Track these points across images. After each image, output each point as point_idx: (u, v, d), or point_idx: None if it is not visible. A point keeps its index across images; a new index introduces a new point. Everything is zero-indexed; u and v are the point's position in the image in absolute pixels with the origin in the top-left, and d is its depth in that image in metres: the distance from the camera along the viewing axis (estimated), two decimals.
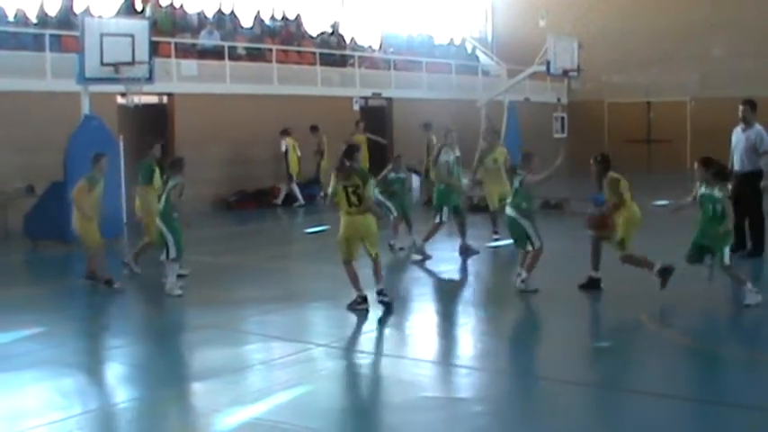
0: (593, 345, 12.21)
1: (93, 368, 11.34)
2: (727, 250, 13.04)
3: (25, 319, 13.63)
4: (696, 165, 13.36)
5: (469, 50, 44.68)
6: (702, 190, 13.14)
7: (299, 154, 29.17)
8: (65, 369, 11.06)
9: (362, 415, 9.26)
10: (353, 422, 9.09)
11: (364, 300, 13.46)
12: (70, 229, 16.12)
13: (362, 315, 13.23)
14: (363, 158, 26.95)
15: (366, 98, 34.37)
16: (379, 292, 13.51)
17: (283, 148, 28.79)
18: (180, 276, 15.38)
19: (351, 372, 10.92)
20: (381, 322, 13.10)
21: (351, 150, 13.58)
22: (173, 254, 14.92)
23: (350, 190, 13.22)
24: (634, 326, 12.75)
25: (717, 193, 12.94)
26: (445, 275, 17.12)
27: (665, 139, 41.27)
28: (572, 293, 14.29)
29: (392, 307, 13.37)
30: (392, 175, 19.43)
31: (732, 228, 13.37)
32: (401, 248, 18.97)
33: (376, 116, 34.39)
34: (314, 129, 29.46)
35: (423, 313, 14.18)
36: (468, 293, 16.05)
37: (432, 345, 12.14)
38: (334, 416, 9.19)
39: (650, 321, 12.80)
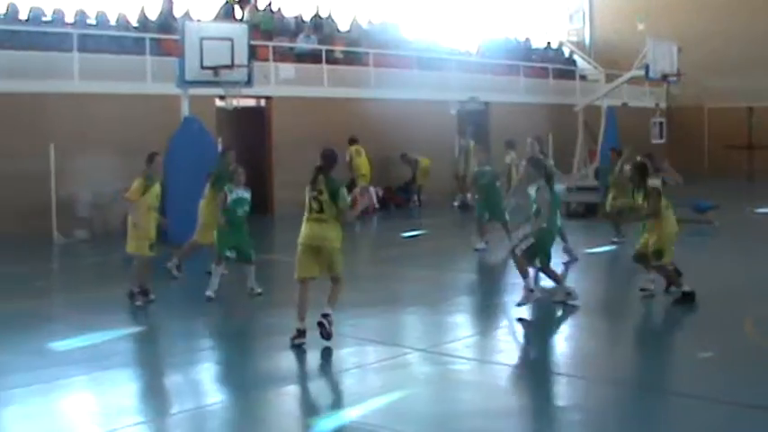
0: (699, 355, 11.92)
1: (188, 368, 11.38)
2: None
3: (123, 318, 13.82)
4: None
5: (567, 54, 44.31)
6: None
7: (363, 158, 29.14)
8: (161, 368, 11.19)
9: (459, 421, 9.16)
10: (449, 428, 8.99)
11: (301, 334, 11.74)
12: (169, 231, 16.28)
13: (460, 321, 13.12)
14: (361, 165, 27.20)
15: (463, 102, 34.22)
16: (324, 316, 11.77)
17: (347, 158, 28.57)
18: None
19: (447, 377, 10.80)
20: (479, 328, 13.02)
21: (326, 157, 12.18)
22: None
23: (312, 195, 11.89)
24: (739, 336, 12.39)
25: None
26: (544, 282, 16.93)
27: (767, 145, 40.47)
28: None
29: (329, 337, 11.69)
30: (478, 168, 19.48)
31: None
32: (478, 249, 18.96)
33: (473, 120, 34.24)
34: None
35: (524, 319, 13.98)
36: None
37: (529, 352, 12.02)
38: (430, 421, 9.12)
39: (755, 331, 12.51)
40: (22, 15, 25.41)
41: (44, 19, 25.76)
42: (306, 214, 11.95)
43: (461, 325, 13.59)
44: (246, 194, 15.03)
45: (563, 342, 12.72)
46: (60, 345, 12.09)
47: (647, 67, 30.66)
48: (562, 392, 10.23)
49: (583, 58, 44.27)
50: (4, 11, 24.99)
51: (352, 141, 28.35)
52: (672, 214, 14.13)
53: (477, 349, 12.18)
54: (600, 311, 14.38)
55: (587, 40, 46.57)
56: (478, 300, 15.61)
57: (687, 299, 13.84)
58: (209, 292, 14.74)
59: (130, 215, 14.52)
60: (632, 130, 34.95)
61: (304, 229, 11.92)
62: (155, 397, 10.02)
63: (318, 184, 11.90)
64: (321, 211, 11.82)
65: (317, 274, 11.92)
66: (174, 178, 19.56)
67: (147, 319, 13.97)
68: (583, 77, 41.52)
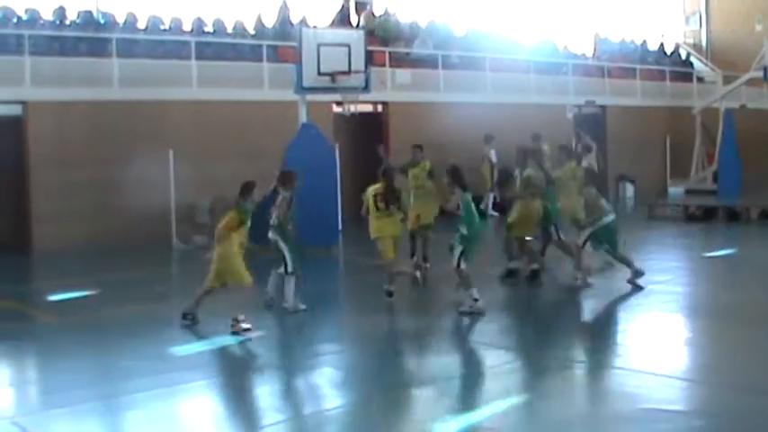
0: None
1: (306, 373, 11.36)
2: None
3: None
4: None
5: (684, 56, 43.56)
6: None
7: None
8: (281, 373, 11.19)
9: (580, 426, 8.99)
10: None
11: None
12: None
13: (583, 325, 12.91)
14: None
15: (580, 106, 33.86)
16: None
17: (494, 158, 28.57)
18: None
19: (569, 382, 10.64)
20: (599, 333, 12.80)
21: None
22: (290, 268, 14.44)
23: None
24: None
25: None
26: (662, 286, 16.59)
27: None
28: None
29: None
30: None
31: None
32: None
33: (590, 124, 33.87)
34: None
35: (640, 324, 13.71)
36: (686, 304, 15.49)
37: (651, 356, 11.72)
38: (553, 426, 8.95)
39: None
40: (141, 24, 25.79)
41: (162, 27, 26.13)
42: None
43: (580, 331, 13.36)
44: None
45: (684, 346, 12.40)
46: (180, 349, 12.17)
47: (765, 69, 30.07)
48: (683, 398, 9.94)
49: (700, 60, 43.48)
50: (123, 20, 25.39)
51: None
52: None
53: (599, 354, 11.94)
54: (720, 316, 14.01)
55: (704, 42, 45.73)
56: (597, 304, 15.32)
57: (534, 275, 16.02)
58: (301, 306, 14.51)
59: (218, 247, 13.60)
60: (751, 133, 34.27)
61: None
62: (274, 402, 10.00)
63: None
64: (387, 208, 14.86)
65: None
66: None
67: (265, 324, 13.98)
68: (700, 80, 40.76)
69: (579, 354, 11.71)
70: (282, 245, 14.45)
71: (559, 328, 13.55)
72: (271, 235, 14.54)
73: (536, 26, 37.66)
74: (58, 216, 21.78)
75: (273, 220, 14.49)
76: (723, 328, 13.24)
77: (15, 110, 22.14)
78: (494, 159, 28.38)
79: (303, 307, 14.40)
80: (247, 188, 13.87)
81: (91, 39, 23.96)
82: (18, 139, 22.03)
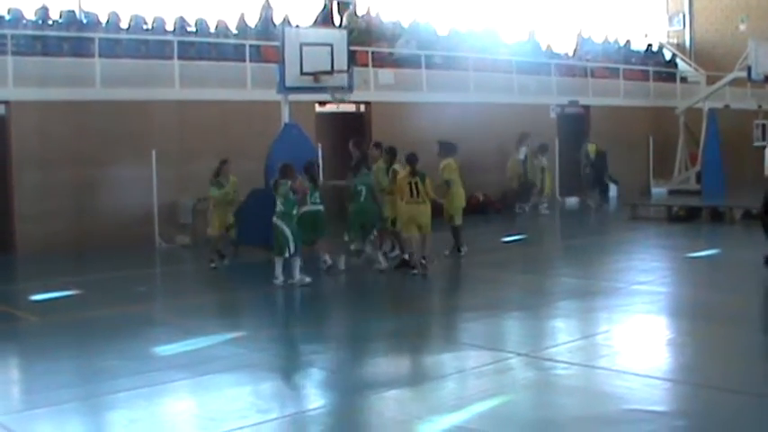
0: None
1: (290, 373, 11.39)
2: None
3: (227, 323, 13.94)
4: None
5: (668, 57, 43.66)
6: None
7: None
8: (263, 373, 11.17)
9: (561, 427, 8.99)
10: None
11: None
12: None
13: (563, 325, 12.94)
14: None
15: (563, 106, 33.94)
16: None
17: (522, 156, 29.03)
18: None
19: (551, 382, 10.62)
20: (581, 333, 12.85)
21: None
22: (292, 250, 16.34)
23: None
24: None
25: None
26: (644, 287, 16.64)
27: None
28: None
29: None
30: None
31: None
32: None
33: (573, 124, 33.96)
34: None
35: (623, 324, 13.74)
36: (669, 305, 15.54)
37: (634, 356, 11.76)
38: (534, 427, 8.97)
39: None
40: (124, 24, 25.75)
41: (145, 27, 26.08)
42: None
43: (566, 330, 13.41)
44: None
45: (666, 347, 12.44)
46: (164, 349, 12.15)
47: (749, 69, 30.18)
48: (665, 398, 9.97)
49: (683, 60, 43.59)
50: (105, 20, 25.34)
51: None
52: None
53: (581, 354, 11.95)
54: (702, 316, 14.07)
55: (687, 42, 45.85)
56: (580, 304, 15.37)
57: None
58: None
59: None
60: (734, 133, 34.41)
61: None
62: (256, 401, 9.99)
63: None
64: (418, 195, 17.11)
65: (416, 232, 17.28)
66: None
67: (248, 324, 14.01)
68: (683, 80, 40.87)
69: (562, 354, 11.71)
70: (287, 230, 16.33)
71: (541, 329, 13.58)
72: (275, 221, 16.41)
73: (519, 26, 37.74)
74: (41, 216, 21.74)
75: (279, 208, 16.41)
76: (705, 329, 13.28)
77: None
78: (521, 157, 28.68)
79: (308, 279, 16.42)
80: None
81: (73, 38, 23.93)
82: (0, 139, 21.96)
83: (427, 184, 17.46)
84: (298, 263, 16.47)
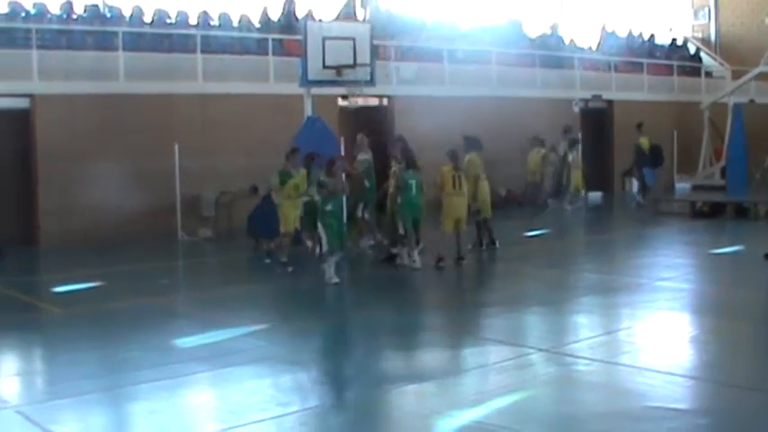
0: None
1: (311, 366, 11.39)
2: None
3: (247, 315, 13.91)
4: None
5: (692, 51, 43.42)
6: None
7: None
8: (284, 365, 11.18)
9: (582, 423, 8.96)
10: (572, 430, 8.81)
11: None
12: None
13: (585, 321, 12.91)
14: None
15: (586, 100, 33.82)
16: None
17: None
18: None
19: (573, 378, 10.60)
20: (604, 329, 12.83)
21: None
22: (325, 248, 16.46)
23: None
24: None
25: None
26: (667, 283, 16.56)
27: None
28: None
29: None
30: None
31: None
32: None
33: (596, 118, 33.84)
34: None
35: (646, 321, 13.69)
36: (692, 301, 15.48)
37: (657, 353, 11.71)
38: (555, 422, 8.95)
39: None
40: (147, 18, 25.80)
41: (168, 21, 26.12)
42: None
43: (587, 325, 13.39)
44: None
45: (689, 344, 12.38)
46: (185, 341, 12.20)
47: None
48: (688, 395, 9.93)
49: (708, 55, 43.30)
50: (129, 14, 25.40)
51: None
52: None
53: (602, 350, 11.92)
54: (726, 314, 14.00)
55: (713, 36, 45.55)
56: (602, 300, 15.33)
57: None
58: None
59: None
60: (760, 128, 34.17)
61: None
62: (276, 394, 10.01)
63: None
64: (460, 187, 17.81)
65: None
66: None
67: (270, 317, 14.03)
68: (708, 74, 40.57)
69: (583, 350, 11.68)
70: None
71: (563, 324, 13.56)
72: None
73: (542, 19, 37.57)
74: (65, 209, 21.80)
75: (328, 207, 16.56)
76: (729, 326, 13.21)
77: (23, 103, 22.17)
78: (561, 153, 28.62)
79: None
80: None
81: (97, 32, 23.99)
82: (25, 132, 22.06)
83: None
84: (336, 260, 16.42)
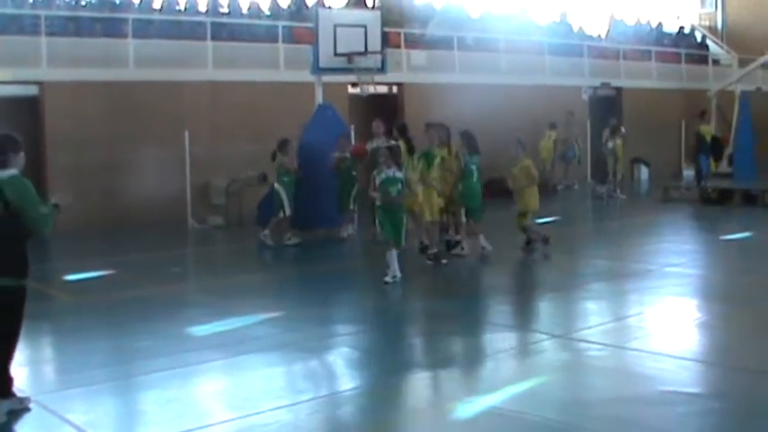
0: None
1: (325, 353, 11.35)
2: None
3: (260, 303, 13.92)
4: None
5: (699, 39, 43.34)
6: None
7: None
8: (298, 353, 11.16)
9: (599, 408, 8.95)
10: (587, 414, 8.78)
11: None
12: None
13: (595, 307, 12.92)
14: None
15: (595, 88, 33.79)
16: None
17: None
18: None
19: (585, 364, 10.62)
20: (614, 315, 12.82)
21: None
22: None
23: None
24: None
25: None
26: (677, 269, 16.56)
27: None
28: None
29: None
30: None
31: None
32: None
33: (605, 106, 33.79)
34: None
35: (656, 306, 13.69)
36: (701, 287, 15.47)
37: (667, 338, 11.71)
38: (571, 407, 8.92)
39: None
40: (156, 5, 25.79)
41: (178, 8, 26.13)
42: None
43: (601, 311, 13.40)
44: (398, 174, 15.16)
45: (699, 329, 12.39)
46: (198, 330, 12.19)
47: None
48: (699, 379, 9.95)
49: (715, 43, 43.24)
50: (138, 0, 25.39)
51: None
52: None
53: (615, 335, 11.91)
54: (735, 299, 14.00)
55: (719, 24, 45.50)
56: (613, 286, 15.33)
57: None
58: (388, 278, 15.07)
59: None
60: (766, 116, 34.09)
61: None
62: (290, 382, 10.02)
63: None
64: None
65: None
66: (309, 164, 19.61)
67: (283, 305, 14.02)
68: (716, 62, 40.56)
69: (595, 335, 11.68)
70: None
71: (575, 311, 13.58)
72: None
73: (551, 7, 37.54)
74: (74, 196, 21.73)
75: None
76: (738, 311, 13.21)
77: (31, 90, 22.21)
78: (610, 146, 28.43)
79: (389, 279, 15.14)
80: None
81: (106, 19, 24.01)
82: (34, 119, 22.06)
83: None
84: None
